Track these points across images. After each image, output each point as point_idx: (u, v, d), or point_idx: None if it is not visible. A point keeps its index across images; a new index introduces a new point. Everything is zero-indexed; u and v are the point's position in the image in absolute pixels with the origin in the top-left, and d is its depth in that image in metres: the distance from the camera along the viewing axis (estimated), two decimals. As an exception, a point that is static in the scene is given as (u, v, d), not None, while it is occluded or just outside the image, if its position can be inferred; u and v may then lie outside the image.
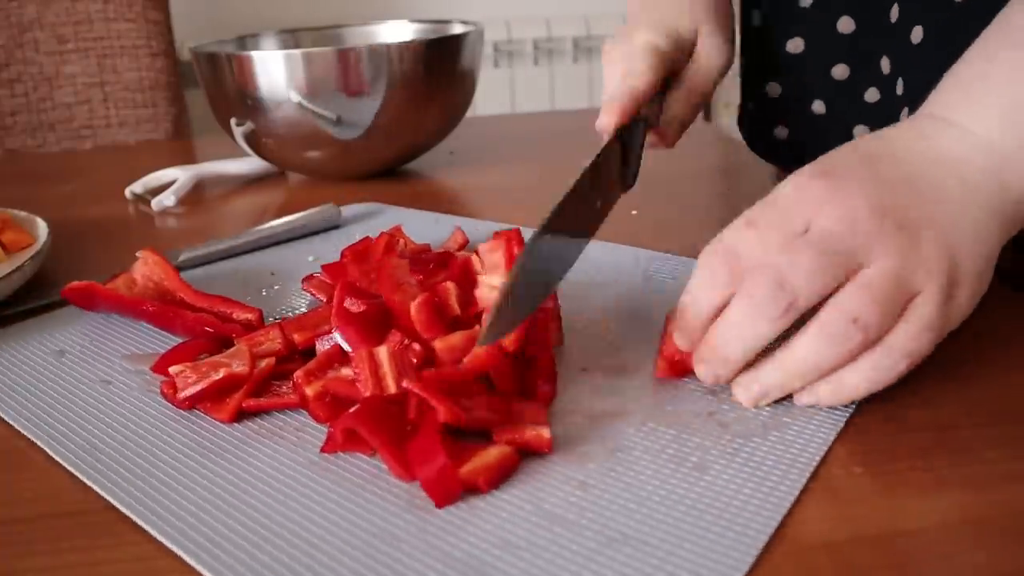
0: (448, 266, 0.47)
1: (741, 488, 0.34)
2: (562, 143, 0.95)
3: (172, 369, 0.42)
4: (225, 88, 0.77)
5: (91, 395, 0.44)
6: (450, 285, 0.44)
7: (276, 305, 0.54)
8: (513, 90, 1.79)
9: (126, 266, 0.54)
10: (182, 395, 0.41)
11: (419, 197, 0.76)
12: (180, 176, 0.81)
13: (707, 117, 1.98)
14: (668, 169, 0.82)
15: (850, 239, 0.36)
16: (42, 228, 0.61)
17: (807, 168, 0.40)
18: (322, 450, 0.38)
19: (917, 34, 0.54)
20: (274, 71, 0.74)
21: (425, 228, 0.66)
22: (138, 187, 0.81)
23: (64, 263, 0.63)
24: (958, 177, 0.38)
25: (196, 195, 0.81)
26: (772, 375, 0.38)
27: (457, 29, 0.86)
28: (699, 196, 0.76)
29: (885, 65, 0.58)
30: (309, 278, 0.54)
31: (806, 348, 0.37)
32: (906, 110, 0.55)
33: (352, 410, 0.37)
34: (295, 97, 0.74)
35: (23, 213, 0.63)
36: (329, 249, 0.62)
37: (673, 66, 0.55)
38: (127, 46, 1.25)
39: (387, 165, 0.84)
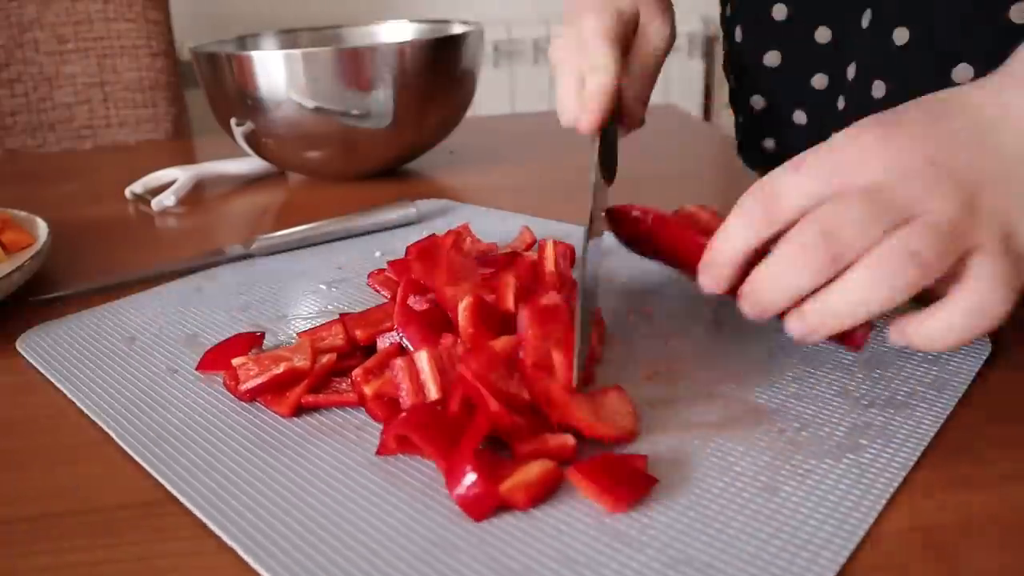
0: (514, 266, 0.46)
1: (812, 513, 0.32)
2: (562, 143, 0.95)
3: (235, 361, 0.42)
4: (225, 88, 0.77)
5: (157, 383, 0.44)
6: (510, 280, 0.42)
7: (340, 299, 0.54)
8: (513, 90, 1.79)
9: (126, 266, 0.54)
10: (243, 387, 0.41)
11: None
12: (180, 176, 0.81)
13: (707, 117, 1.98)
14: (668, 169, 0.82)
15: (902, 189, 0.34)
16: (42, 228, 0.61)
17: (867, 118, 0.37)
18: (377, 453, 0.37)
19: (901, 35, 0.54)
20: (274, 71, 0.74)
21: (494, 226, 0.65)
22: (138, 187, 0.81)
23: (64, 263, 0.63)
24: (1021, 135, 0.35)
25: (196, 195, 0.81)
26: (816, 313, 0.35)
27: (457, 29, 0.86)
28: (699, 196, 0.76)
29: (850, 72, 0.59)
30: (375, 274, 0.54)
31: (855, 283, 0.34)
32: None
33: (402, 416, 0.36)
34: (309, 103, 0.74)
35: (23, 213, 0.63)
36: (399, 245, 0.62)
37: (624, 44, 0.54)
38: (127, 46, 1.25)
39: (387, 165, 0.84)
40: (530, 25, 1.75)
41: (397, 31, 0.93)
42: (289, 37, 0.92)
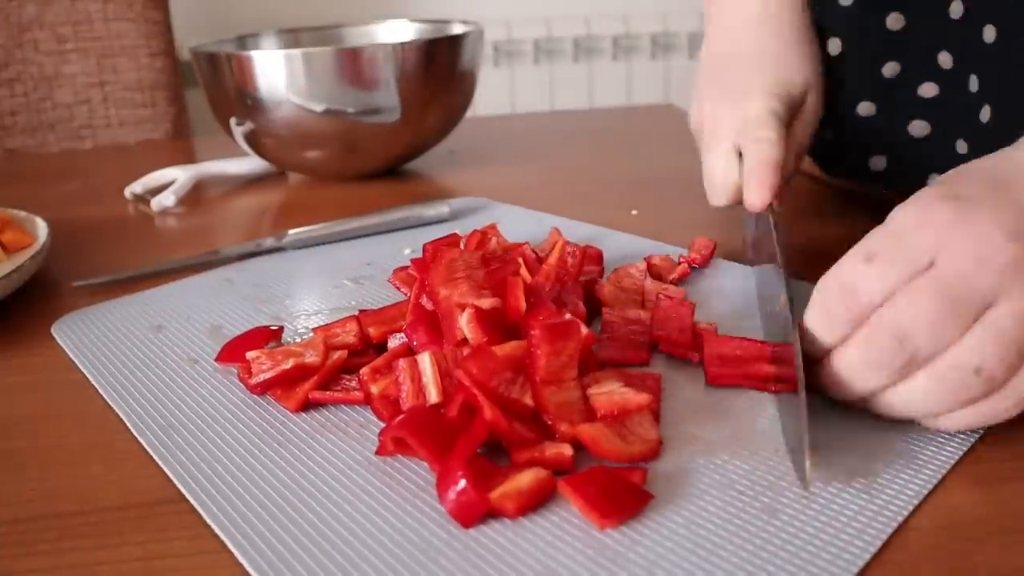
0: (519, 267, 0.45)
1: (813, 538, 0.31)
2: (562, 143, 0.95)
3: (249, 354, 0.42)
4: (225, 88, 0.77)
5: (177, 373, 0.45)
6: (519, 279, 0.42)
7: (364, 296, 0.54)
8: (513, 90, 1.79)
9: (126, 266, 0.54)
10: (254, 380, 0.42)
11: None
12: (180, 176, 0.81)
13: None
14: (668, 169, 0.82)
15: (979, 277, 0.33)
16: (42, 228, 0.61)
17: (930, 190, 0.36)
18: (376, 453, 0.37)
19: (990, 33, 0.53)
20: (274, 71, 0.74)
21: (528, 227, 0.65)
22: (138, 187, 0.80)
23: (64, 263, 0.63)
24: None
25: (196, 195, 0.81)
26: (882, 409, 0.36)
27: (457, 29, 0.86)
28: (699, 196, 0.76)
29: (945, 60, 0.57)
30: (399, 271, 0.54)
31: (922, 392, 0.34)
32: (987, 108, 0.53)
33: (400, 418, 0.36)
34: (311, 105, 0.74)
35: (23, 213, 0.63)
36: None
37: (787, 124, 0.54)
38: (127, 46, 1.25)
39: (387, 165, 0.84)
40: (530, 25, 1.75)
41: (397, 31, 0.93)
42: (289, 37, 0.92)
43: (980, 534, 0.32)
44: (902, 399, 0.35)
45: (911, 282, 0.34)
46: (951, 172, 0.38)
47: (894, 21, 0.58)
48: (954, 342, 0.33)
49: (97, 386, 0.44)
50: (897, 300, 0.34)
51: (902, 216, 0.36)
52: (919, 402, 0.35)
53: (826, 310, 0.36)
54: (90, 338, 0.50)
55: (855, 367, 0.35)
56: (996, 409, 0.34)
